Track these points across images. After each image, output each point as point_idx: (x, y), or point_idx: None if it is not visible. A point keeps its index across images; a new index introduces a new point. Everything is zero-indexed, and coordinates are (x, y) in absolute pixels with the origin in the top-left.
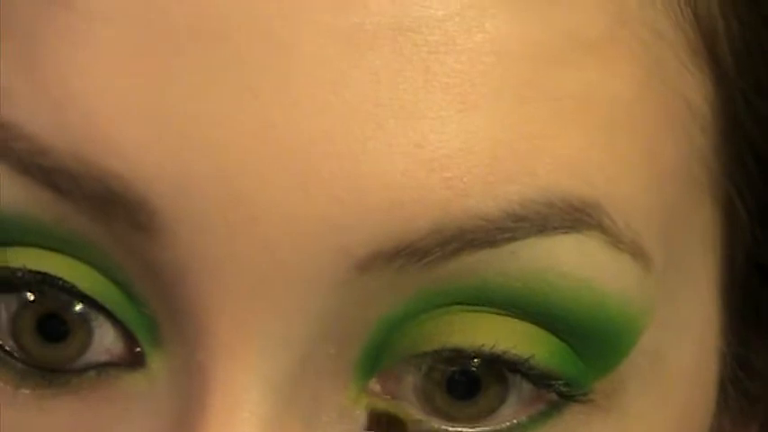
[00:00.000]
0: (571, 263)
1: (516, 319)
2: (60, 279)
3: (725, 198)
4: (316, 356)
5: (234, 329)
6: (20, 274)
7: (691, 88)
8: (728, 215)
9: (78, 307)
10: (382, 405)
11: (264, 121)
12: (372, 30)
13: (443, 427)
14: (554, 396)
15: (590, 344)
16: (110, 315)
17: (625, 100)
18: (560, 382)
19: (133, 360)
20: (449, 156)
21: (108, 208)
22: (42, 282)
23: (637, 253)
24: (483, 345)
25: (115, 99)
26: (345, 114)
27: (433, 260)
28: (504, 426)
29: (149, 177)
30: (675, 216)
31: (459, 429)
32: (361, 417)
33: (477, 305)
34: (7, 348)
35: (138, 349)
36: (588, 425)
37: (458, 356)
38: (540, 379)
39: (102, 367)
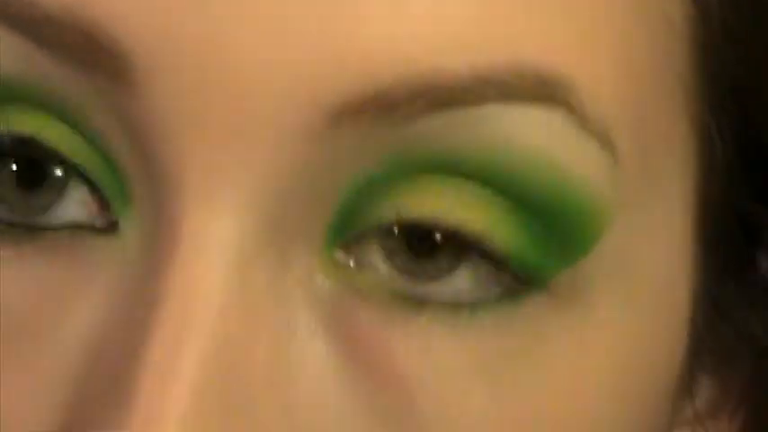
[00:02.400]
0: (537, 136)
1: (482, 190)
2: (42, 139)
3: (702, 127)
4: (286, 216)
5: (205, 181)
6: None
7: (671, 3)
8: (706, 147)
9: (57, 168)
10: (347, 273)
11: None
12: None
13: (407, 287)
14: (511, 280)
15: (552, 227)
16: (86, 179)
17: None
18: (517, 261)
19: (106, 225)
20: (421, 16)
21: (89, 58)
22: (24, 142)
23: (604, 141)
24: (449, 211)
25: None
26: None
27: (401, 117)
28: (464, 301)
29: (131, 27)
30: (649, 124)
31: (422, 289)
32: (324, 284)
33: (445, 174)
34: None
35: (114, 217)
36: (549, 315)
37: (420, 223)
38: (497, 257)
39: (77, 229)
